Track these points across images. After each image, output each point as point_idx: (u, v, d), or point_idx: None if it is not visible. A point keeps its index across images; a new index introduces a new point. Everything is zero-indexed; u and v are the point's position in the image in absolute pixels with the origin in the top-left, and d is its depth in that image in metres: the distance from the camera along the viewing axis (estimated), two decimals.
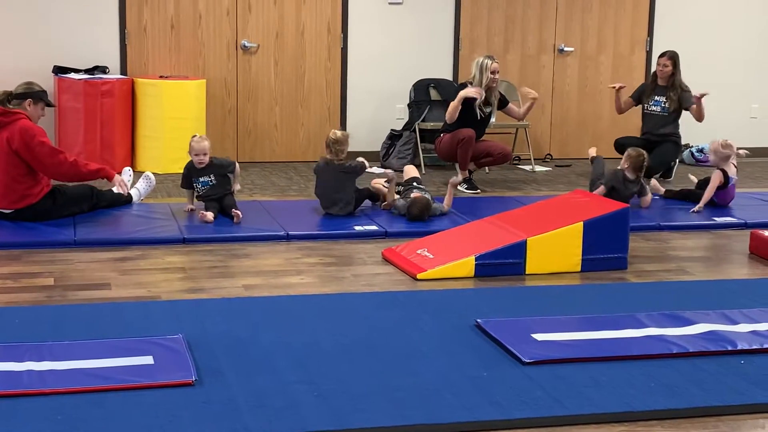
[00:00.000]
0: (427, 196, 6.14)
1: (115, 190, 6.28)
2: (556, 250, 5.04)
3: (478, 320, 4.06)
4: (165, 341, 3.69)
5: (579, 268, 5.09)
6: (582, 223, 5.07)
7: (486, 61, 7.26)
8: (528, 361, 3.63)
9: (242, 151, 8.26)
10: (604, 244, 5.11)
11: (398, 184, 6.44)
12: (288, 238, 5.64)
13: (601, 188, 6.43)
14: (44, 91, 5.91)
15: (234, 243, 5.52)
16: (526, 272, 5.03)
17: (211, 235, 5.60)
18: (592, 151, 7.14)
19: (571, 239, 5.06)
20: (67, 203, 5.81)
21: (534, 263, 5.03)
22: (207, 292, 4.58)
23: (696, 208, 6.57)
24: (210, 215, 5.83)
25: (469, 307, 4.37)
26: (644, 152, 6.60)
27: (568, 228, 5.07)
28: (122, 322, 4.02)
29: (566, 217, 5.17)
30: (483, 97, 7.23)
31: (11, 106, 5.70)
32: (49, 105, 5.95)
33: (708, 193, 6.63)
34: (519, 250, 5.01)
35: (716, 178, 6.67)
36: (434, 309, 4.34)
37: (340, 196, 6.10)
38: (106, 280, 4.74)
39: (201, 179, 6.05)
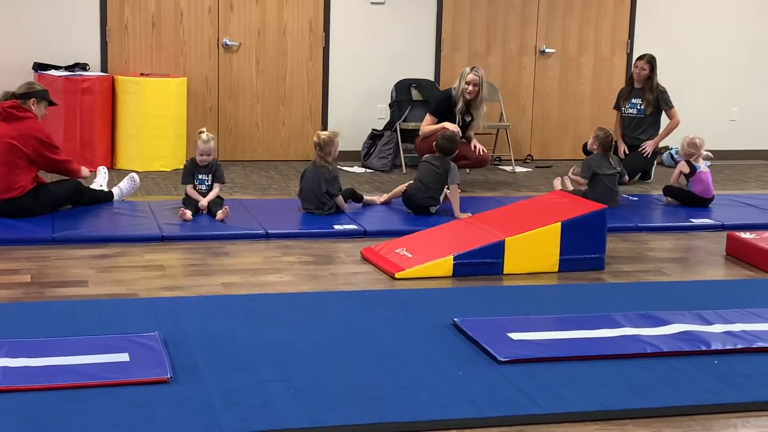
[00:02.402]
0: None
1: (93, 186, 6.28)
2: (533, 250, 5.07)
3: (455, 319, 4.07)
4: (141, 338, 3.69)
5: (557, 269, 5.11)
6: (560, 223, 5.10)
7: (465, 70, 7.26)
8: (503, 360, 3.65)
9: (223, 149, 8.25)
10: (582, 245, 5.14)
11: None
12: (267, 236, 5.65)
13: (581, 179, 6.54)
14: (46, 90, 5.95)
15: (213, 241, 5.52)
16: (504, 272, 5.05)
17: (190, 233, 5.60)
18: (557, 184, 7.07)
19: (548, 239, 5.08)
20: (50, 201, 5.80)
21: (512, 263, 5.05)
22: (185, 290, 4.58)
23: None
24: (189, 213, 5.83)
25: (446, 306, 4.39)
26: (609, 131, 6.90)
27: (546, 228, 5.09)
28: (99, 319, 4.01)
29: (544, 218, 5.19)
30: (459, 135, 7.19)
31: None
32: (51, 104, 5.97)
33: (674, 177, 7.01)
34: (497, 250, 5.03)
35: (681, 166, 6.95)
36: (412, 308, 4.35)
37: (322, 198, 6.10)
38: (83, 277, 4.72)
39: (200, 176, 6.06)
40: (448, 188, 6.26)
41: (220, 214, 5.86)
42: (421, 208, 6.22)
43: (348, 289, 4.70)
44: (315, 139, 6.21)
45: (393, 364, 3.63)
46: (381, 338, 3.93)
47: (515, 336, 3.91)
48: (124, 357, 3.50)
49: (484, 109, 7.38)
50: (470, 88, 7.20)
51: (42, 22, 7.76)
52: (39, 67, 7.66)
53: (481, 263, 5.01)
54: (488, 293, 4.72)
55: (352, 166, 8.28)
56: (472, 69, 7.24)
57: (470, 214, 5.88)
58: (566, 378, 3.54)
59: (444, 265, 4.96)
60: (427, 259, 4.99)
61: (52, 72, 7.60)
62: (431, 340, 3.92)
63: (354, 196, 6.39)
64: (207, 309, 4.22)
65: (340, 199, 6.15)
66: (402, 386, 3.42)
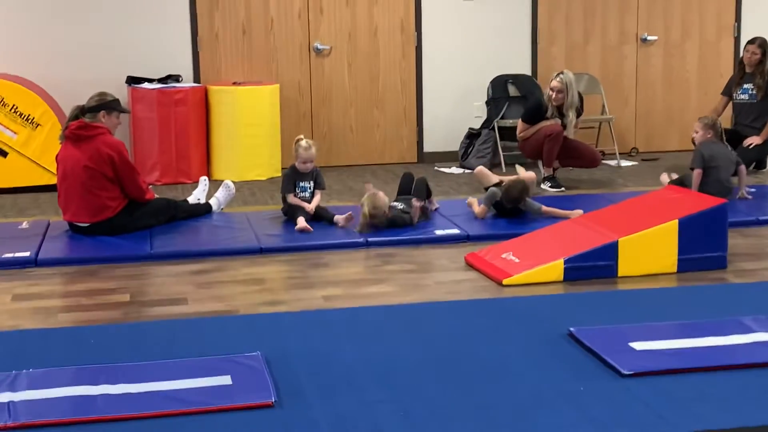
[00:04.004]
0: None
1: (190, 199, 6.21)
2: (649, 250, 4.76)
3: (571, 329, 3.81)
4: (243, 359, 3.54)
5: (675, 269, 4.80)
6: (677, 221, 4.78)
7: (553, 75, 7.01)
8: (627, 373, 3.38)
9: (318, 154, 8.04)
10: (701, 243, 4.81)
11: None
12: (367, 245, 5.47)
13: (696, 172, 6.13)
14: (117, 100, 5.84)
15: (312, 252, 5.37)
16: (618, 275, 4.77)
17: (288, 244, 5.46)
18: (665, 178, 6.71)
19: (665, 239, 4.77)
20: (144, 216, 5.73)
21: (626, 265, 4.76)
22: (286, 305, 4.43)
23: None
24: (304, 222, 5.67)
25: (559, 314, 4.14)
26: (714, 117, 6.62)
27: (662, 227, 4.78)
28: (200, 339, 3.89)
29: (659, 215, 4.88)
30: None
31: (87, 119, 5.65)
32: (123, 111, 5.89)
33: None
34: (610, 251, 4.75)
35: None
36: (523, 317, 4.11)
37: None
38: (182, 294, 4.62)
39: (302, 184, 5.93)
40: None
41: (342, 220, 5.69)
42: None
43: (453, 299, 4.49)
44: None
45: (507, 380, 3.40)
46: (492, 351, 3.70)
47: (638, 346, 3.63)
48: (226, 380, 3.36)
49: (573, 116, 7.05)
50: (554, 95, 6.94)
51: (133, 36, 7.76)
52: (132, 80, 7.65)
53: (594, 266, 4.73)
54: (603, 298, 4.44)
55: (450, 167, 8.06)
56: (557, 75, 6.97)
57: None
58: (698, 392, 3.25)
59: (554, 269, 4.70)
60: (536, 264, 4.74)
61: (145, 85, 7.59)
62: (546, 353, 3.67)
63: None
64: (309, 324, 4.06)
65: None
66: (518, 404, 3.19)
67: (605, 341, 3.67)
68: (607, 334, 3.77)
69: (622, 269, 4.76)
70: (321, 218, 5.80)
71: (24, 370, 3.45)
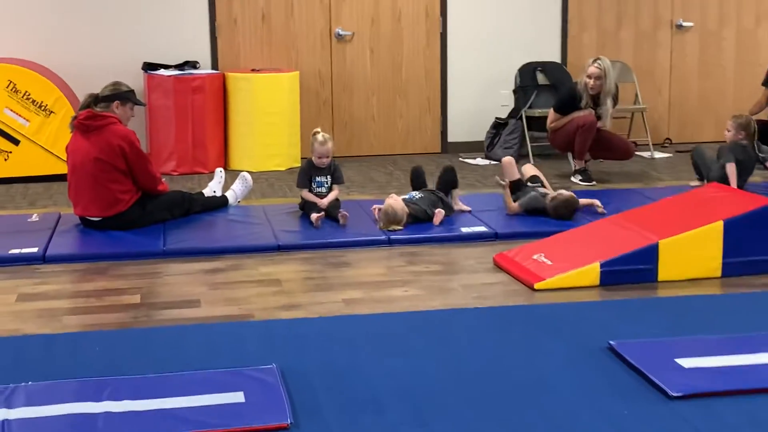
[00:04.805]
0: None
1: (206, 192, 5.96)
2: (692, 253, 4.46)
3: (612, 342, 3.53)
4: (257, 373, 3.28)
5: (719, 273, 4.50)
6: (722, 221, 4.48)
7: (588, 62, 6.69)
8: (676, 395, 3.10)
9: (338, 144, 7.73)
10: (748, 245, 4.51)
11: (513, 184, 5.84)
12: (390, 242, 5.20)
13: (731, 166, 5.87)
14: (132, 91, 5.58)
15: (332, 249, 5.10)
16: (658, 279, 4.47)
17: (307, 241, 5.19)
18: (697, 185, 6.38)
19: (709, 240, 4.47)
20: (158, 210, 5.48)
21: (667, 269, 4.46)
22: (304, 309, 4.17)
23: None
24: (318, 219, 5.42)
25: (597, 323, 3.86)
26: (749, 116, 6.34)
27: (706, 228, 4.48)
28: (211, 347, 3.64)
29: (703, 216, 4.58)
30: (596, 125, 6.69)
31: (98, 109, 5.39)
32: (138, 104, 5.64)
33: None
34: (650, 254, 4.45)
35: None
36: (557, 327, 3.83)
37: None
38: (195, 295, 4.37)
39: (318, 179, 5.66)
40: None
41: (341, 218, 5.43)
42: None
43: (482, 304, 4.21)
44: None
45: (543, 399, 3.13)
46: (525, 365, 3.43)
47: (685, 363, 3.34)
48: (238, 397, 3.10)
49: (611, 104, 6.73)
50: (592, 82, 6.61)
51: (150, 22, 7.49)
52: (148, 66, 7.40)
53: (632, 270, 4.44)
54: (644, 306, 4.15)
55: (474, 158, 7.77)
56: (594, 61, 6.63)
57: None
58: (752, 417, 2.97)
59: (590, 273, 4.41)
60: (570, 267, 4.45)
61: (162, 71, 7.33)
62: (585, 368, 3.39)
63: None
64: (328, 333, 3.80)
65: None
66: (555, 428, 2.92)
67: (649, 357, 3.39)
68: (651, 348, 3.49)
69: (663, 273, 4.46)
70: (330, 215, 5.52)
71: (23, 383, 3.21)
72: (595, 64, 6.59)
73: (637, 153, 7.82)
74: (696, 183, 6.31)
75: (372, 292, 4.40)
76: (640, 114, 7.93)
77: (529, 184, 5.80)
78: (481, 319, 3.97)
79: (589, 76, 6.60)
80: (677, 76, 8.33)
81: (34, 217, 5.67)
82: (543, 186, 5.78)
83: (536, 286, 4.38)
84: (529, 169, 6.01)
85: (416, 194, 5.58)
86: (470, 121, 8.00)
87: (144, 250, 5.03)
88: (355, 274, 4.72)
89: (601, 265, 4.41)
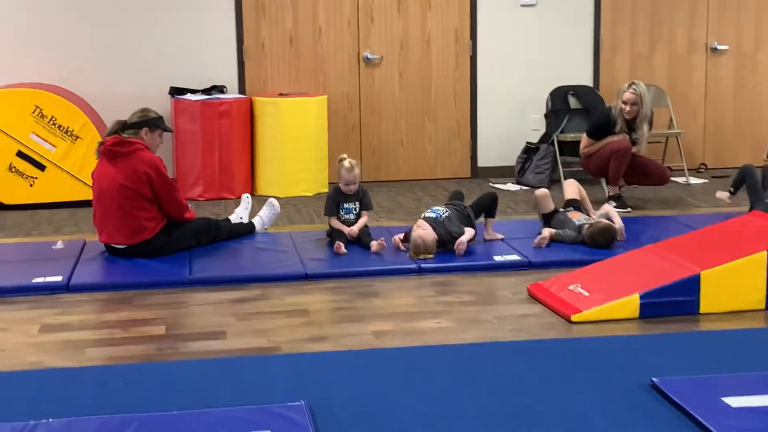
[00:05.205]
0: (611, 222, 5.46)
1: (232, 218, 5.86)
2: (735, 284, 4.30)
3: (654, 379, 3.38)
4: (285, 411, 3.16)
5: (763, 306, 4.33)
6: (766, 252, 4.31)
7: (623, 87, 6.52)
8: None
9: (366, 169, 7.70)
10: None
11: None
12: (420, 271, 5.07)
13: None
14: (160, 117, 5.51)
15: (361, 279, 4.98)
16: (700, 312, 4.31)
17: (335, 270, 5.07)
18: (722, 195, 6.28)
19: (753, 271, 4.31)
20: (184, 237, 5.38)
21: (710, 301, 4.30)
22: (332, 341, 4.04)
23: None
24: (343, 247, 5.31)
25: (638, 359, 3.70)
26: None
27: (749, 258, 4.31)
28: (238, 382, 3.52)
29: (745, 245, 4.42)
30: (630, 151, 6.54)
31: (126, 136, 5.32)
32: (166, 130, 5.57)
33: None
34: (691, 285, 4.29)
35: None
36: (597, 362, 3.68)
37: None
38: (221, 327, 4.26)
39: (345, 206, 5.55)
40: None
41: (375, 245, 5.31)
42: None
43: (517, 337, 4.07)
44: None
45: None
46: (565, 405, 3.28)
47: (733, 402, 3.18)
48: None
49: (647, 129, 6.59)
50: (627, 108, 6.46)
51: (177, 46, 7.45)
52: (175, 91, 7.34)
53: (673, 302, 4.28)
54: (686, 340, 3.99)
55: (505, 183, 7.64)
56: (629, 86, 6.48)
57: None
58: None
59: (629, 305, 4.26)
60: (609, 299, 4.30)
61: (189, 96, 7.27)
62: (627, 408, 3.24)
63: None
64: (358, 367, 3.67)
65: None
66: None
67: (694, 395, 3.23)
68: (696, 386, 3.33)
69: (705, 306, 4.30)
70: (360, 242, 5.41)
71: (42, 420, 3.10)
72: (631, 90, 6.44)
73: (672, 179, 7.67)
74: (723, 194, 6.15)
75: (402, 323, 4.27)
76: (674, 138, 7.77)
77: (561, 209, 5.67)
78: (517, 354, 3.82)
79: (625, 102, 6.46)
80: (712, 100, 8.17)
81: (59, 245, 5.59)
82: (581, 209, 5.63)
83: (573, 318, 4.23)
84: (570, 190, 5.82)
85: (442, 211, 5.40)
86: (500, 146, 7.88)
87: (169, 279, 4.93)
88: (385, 304, 4.59)
89: (641, 297, 4.26)
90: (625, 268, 4.63)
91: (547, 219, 5.64)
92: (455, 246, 5.21)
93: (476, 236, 5.42)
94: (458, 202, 5.61)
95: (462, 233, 5.26)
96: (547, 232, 5.45)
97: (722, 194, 6.18)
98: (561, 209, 5.67)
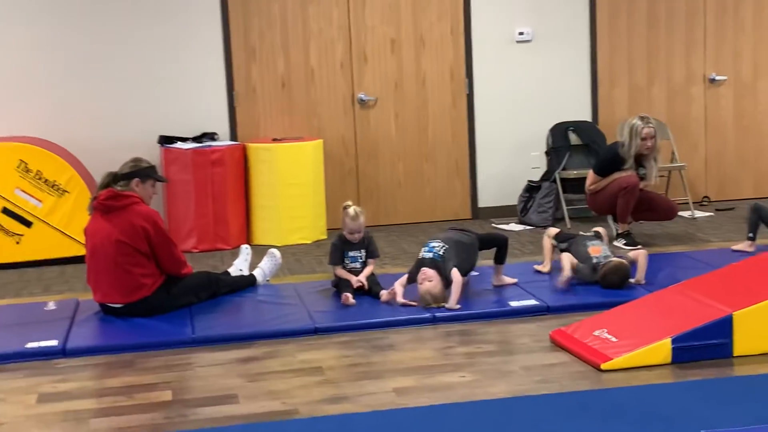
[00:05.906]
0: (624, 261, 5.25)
1: (231, 271, 5.63)
2: None
3: None
4: None
5: None
6: None
7: (637, 123, 6.35)
8: None
9: (365, 214, 7.45)
10: None
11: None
12: (434, 320, 4.84)
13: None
14: (152, 167, 5.28)
15: (372, 331, 4.75)
16: (734, 354, 4.10)
17: (346, 322, 4.84)
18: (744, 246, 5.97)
19: None
20: (183, 294, 5.14)
21: (743, 343, 4.09)
22: (352, 402, 3.80)
23: None
24: (352, 297, 5.09)
25: (677, 409, 3.50)
26: None
27: None
28: None
29: None
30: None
31: (119, 188, 5.09)
32: (159, 180, 5.34)
33: None
34: (724, 327, 4.09)
35: None
36: (635, 416, 3.47)
37: None
38: (232, 390, 4.01)
39: (351, 254, 5.33)
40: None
41: (385, 295, 5.09)
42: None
43: (547, 388, 3.85)
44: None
45: None
46: None
47: None
48: None
49: (657, 162, 6.46)
50: (649, 143, 6.33)
51: (165, 93, 7.23)
52: (165, 140, 7.12)
53: (706, 345, 4.07)
54: (723, 387, 3.78)
55: (508, 223, 7.44)
56: (644, 121, 6.33)
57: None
58: None
59: (660, 350, 4.05)
60: (638, 344, 4.09)
61: (179, 144, 7.05)
62: None
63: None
64: (382, 429, 3.44)
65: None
66: None
67: None
68: None
69: (738, 348, 4.10)
70: (369, 292, 5.19)
71: None
72: (648, 125, 6.31)
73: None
74: (743, 245, 5.93)
75: (424, 378, 4.04)
76: (677, 172, 7.62)
77: (583, 233, 5.49)
78: (550, 407, 3.61)
79: (644, 138, 6.31)
80: (713, 131, 8.03)
81: (51, 305, 5.33)
82: (599, 238, 5.45)
83: (603, 366, 4.02)
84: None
85: (439, 246, 5.14)
86: (501, 185, 7.69)
87: (171, 339, 4.68)
88: (403, 358, 4.36)
89: (673, 341, 4.05)
90: (652, 310, 4.43)
91: (564, 239, 5.45)
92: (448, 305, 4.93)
93: (478, 282, 5.22)
94: (457, 232, 5.36)
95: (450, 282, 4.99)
96: (567, 261, 5.22)
97: (743, 245, 5.94)
98: (584, 233, 5.49)
